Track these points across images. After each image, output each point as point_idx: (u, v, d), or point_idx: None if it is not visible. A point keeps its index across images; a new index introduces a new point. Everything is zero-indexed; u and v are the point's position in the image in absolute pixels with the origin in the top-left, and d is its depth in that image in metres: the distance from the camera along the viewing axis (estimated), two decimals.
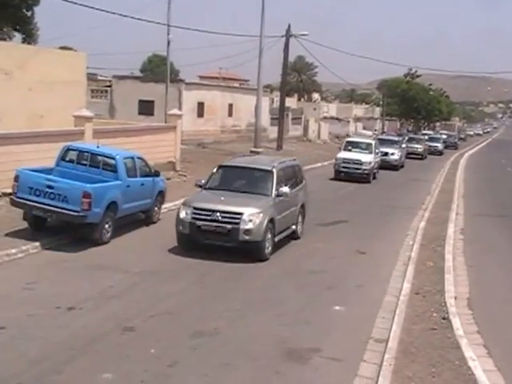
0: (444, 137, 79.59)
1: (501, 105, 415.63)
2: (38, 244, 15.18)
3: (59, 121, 24.41)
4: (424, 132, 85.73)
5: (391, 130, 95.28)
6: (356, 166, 34.17)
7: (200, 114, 47.25)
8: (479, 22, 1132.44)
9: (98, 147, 17.76)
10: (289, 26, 46.72)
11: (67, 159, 17.66)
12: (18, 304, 11.31)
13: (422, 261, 16.57)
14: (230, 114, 52.11)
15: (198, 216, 15.44)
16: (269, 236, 15.80)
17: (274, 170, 17.02)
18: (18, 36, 43.80)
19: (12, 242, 15.06)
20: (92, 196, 15.47)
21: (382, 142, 44.31)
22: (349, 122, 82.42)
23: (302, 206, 18.98)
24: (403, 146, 48.82)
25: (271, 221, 15.85)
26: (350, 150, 36.23)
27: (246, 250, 15.50)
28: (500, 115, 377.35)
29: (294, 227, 18.06)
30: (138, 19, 35.95)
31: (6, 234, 15.67)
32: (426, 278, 14.95)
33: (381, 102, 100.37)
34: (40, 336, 10.05)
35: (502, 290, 14.89)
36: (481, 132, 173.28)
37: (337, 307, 12.61)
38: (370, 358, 10.11)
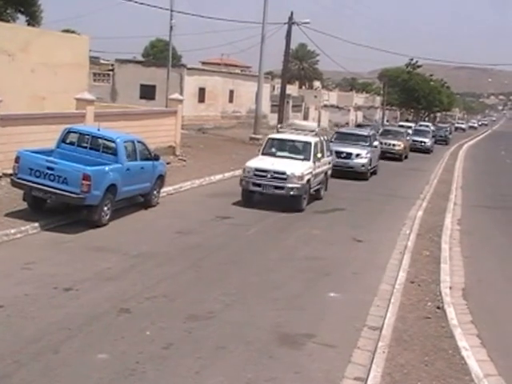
0: (433, 129, 65.16)
1: (501, 97, 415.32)
2: (37, 225, 15.23)
3: (61, 103, 24.48)
4: (401, 124, 68.16)
5: (391, 118, 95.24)
6: (277, 183, 20.29)
7: (201, 99, 47.35)
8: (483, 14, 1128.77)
9: (98, 130, 17.79)
10: (291, 14, 46.56)
11: (68, 141, 17.70)
12: (16, 284, 11.37)
13: (418, 250, 16.64)
14: (231, 100, 52.21)
15: None
16: None
17: None
18: (21, 18, 43.90)
19: (11, 222, 15.11)
20: (92, 178, 15.52)
21: (345, 137, 32.95)
22: (349, 110, 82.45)
23: None
24: (375, 143, 33.80)
25: None
26: (273, 155, 22.04)
27: None
28: (500, 107, 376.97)
29: None
30: (142, 4, 35.72)
31: (6, 215, 15.72)
32: (421, 267, 15.02)
33: (381, 92, 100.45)
34: (37, 316, 10.12)
35: (497, 281, 14.96)
36: (476, 125, 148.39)
37: (332, 294, 12.68)
38: (364, 345, 10.18)
